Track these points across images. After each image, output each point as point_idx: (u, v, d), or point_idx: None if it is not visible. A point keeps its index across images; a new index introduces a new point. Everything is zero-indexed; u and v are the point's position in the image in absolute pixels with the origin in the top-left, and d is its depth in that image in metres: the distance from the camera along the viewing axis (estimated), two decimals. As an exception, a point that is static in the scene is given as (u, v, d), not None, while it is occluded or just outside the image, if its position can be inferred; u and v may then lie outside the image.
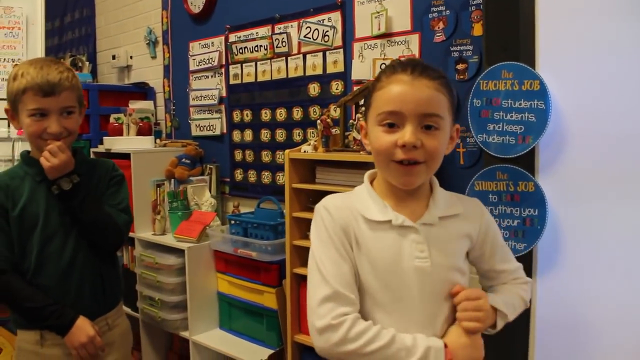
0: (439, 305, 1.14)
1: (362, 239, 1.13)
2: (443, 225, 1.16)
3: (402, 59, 1.28)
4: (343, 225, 1.13)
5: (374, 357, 1.05)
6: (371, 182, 1.22)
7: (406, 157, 1.08)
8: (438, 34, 2.21)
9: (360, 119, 2.10)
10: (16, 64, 2.32)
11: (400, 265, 1.11)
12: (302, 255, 2.25)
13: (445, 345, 1.08)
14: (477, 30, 2.11)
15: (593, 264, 1.64)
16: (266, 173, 2.87)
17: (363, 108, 2.08)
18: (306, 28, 2.60)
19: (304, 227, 2.24)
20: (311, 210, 2.26)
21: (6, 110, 1.66)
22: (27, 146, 2.27)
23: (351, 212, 1.15)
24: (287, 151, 2.21)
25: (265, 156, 2.86)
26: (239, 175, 3.02)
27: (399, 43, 2.32)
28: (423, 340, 1.07)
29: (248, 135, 2.94)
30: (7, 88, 1.60)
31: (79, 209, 1.64)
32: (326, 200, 1.19)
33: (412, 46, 2.28)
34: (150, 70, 3.54)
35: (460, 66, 2.15)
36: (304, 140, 2.64)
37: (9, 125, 2.26)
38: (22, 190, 1.65)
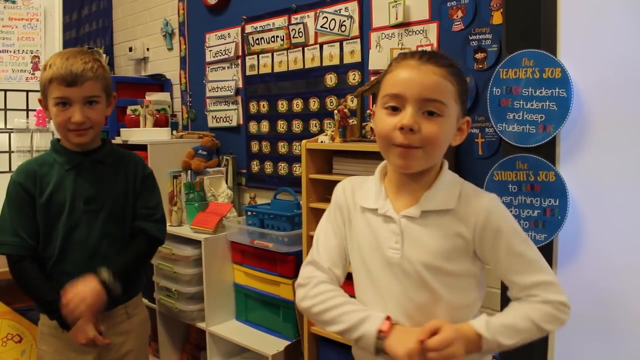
0: (407, 295, 1.12)
1: (354, 220, 1.21)
2: (428, 219, 1.12)
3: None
4: (341, 204, 1.25)
5: (321, 316, 1.16)
6: (386, 172, 1.23)
7: (404, 142, 1.07)
8: (456, 23, 2.18)
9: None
10: (35, 56, 2.37)
11: (377, 252, 1.16)
12: (318, 246, 2.24)
13: (389, 320, 1.10)
14: (497, 18, 2.08)
15: (614, 255, 1.61)
16: (282, 164, 2.86)
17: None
18: (323, 18, 2.58)
19: (320, 218, 2.23)
20: (328, 201, 2.25)
21: (39, 101, 1.68)
22: (45, 137, 2.31)
23: (354, 194, 1.23)
24: (304, 141, 2.20)
25: (282, 147, 2.85)
26: (255, 166, 3.01)
27: (417, 32, 2.29)
28: (368, 311, 1.13)
29: (264, 126, 2.94)
30: (39, 78, 1.65)
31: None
32: (343, 180, 1.29)
33: (430, 35, 2.25)
34: (166, 62, 3.55)
35: (479, 55, 2.12)
36: (321, 131, 2.63)
37: (27, 116, 2.28)
38: (50, 178, 1.67)
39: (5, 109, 2.27)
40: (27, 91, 2.30)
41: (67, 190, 1.67)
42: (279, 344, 2.44)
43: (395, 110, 1.09)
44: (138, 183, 1.79)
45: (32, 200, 1.66)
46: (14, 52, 2.28)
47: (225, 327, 2.70)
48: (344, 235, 1.23)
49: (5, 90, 2.27)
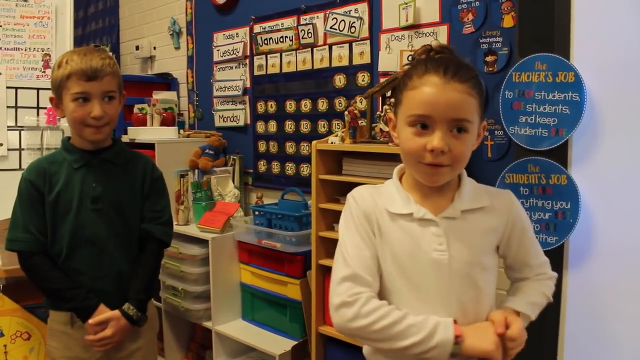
0: (454, 295, 1.15)
1: (384, 228, 1.17)
2: (466, 218, 1.17)
3: (433, 46, 1.26)
4: (367, 213, 1.19)
5: (384, 333, 1.08)
6: (400, 177, 1.26)
7: (434, 162, 1.10)
8: (467, 26, 2.19)
9: (389, 111, 2.09)
10: (46, 54, 2.37)
11: (419, 256, 1.15)
12: (327, 246, 2.24)
13: (455, 322, 1.10)
14: (508, 21, 2.09)
15: (625, 257, 1.62)
16: (290, 164, 2.87)
17: (391, 100, 2.07)
18: (332, 19, 2.59)
19: (329, 219, 2.24)
20: (337, 201, 2.26)
21: (51, 99, 1.69)
22: (56, 135, 2.31)
23: (376, 202, 1.20)
24: (314, 142, 2.20)
25: (290, 147, 2.86)
26: (262, 166, 3.02)
27: (427, 34, 2.30)
28: (433, 318, 1.10)
29: (272, 126, 2.94)
30: (52, 76, 1.64)
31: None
32: (355, 190, 1.25)
33: (440, 37, 2.26)
34: (173, 61, 3.55)
35: (489, 58, 2.13)
36: (329, 131, 2.64)
37: (37, 114, 2.28)
38: (59, 176, 1.68)
39: (16, 107, 2.27)
40: (38, 89, 2.30)
41: (75, 189, 1.68)
42: (285, 344, 2.45)
43: (422, 128, 1.11)
44: (147, 185, 1.80)
45: (42, 197, 1.67)
46: (25, 50, 2.28)
47: (232, 326, 2.71)
48: (374, 244, 1.18)
49: (16, 88, 2.27)
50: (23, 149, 2.25)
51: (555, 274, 1.30)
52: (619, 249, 1.63)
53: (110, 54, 1.82)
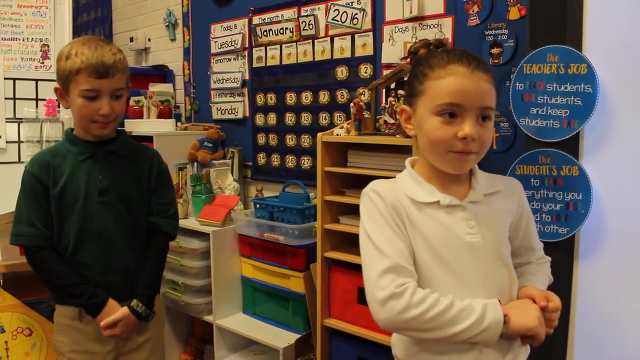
0: (491, 276, 1.18)
1: (413, 218, 1.18)
2: (488, 202, 1.22)
3: (431, 40, 1.31)
4: (393, 204, 1.19)
5: (437, 320, 1.08)
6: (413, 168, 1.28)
7: (465, 149, 1.13)
8: (472, 18, 2.19)
9: (393, 102, 2.08)
10: (45, 44, 2.32)
11: (453, 241, 1.17)
12: (332, 239, 2.23)
13: (500, 302, 1.13)
14: (514, 13, 2.09)
15: (637, 249, 1.63)
16: (290, 157, 2.85)
17: (398, 92, 2.06)
18: (334, 10, 2.57)
19: (334, 211, 2.23)
20: (342, 194, 2.25)
21: (55, 90, 1.65)
22: (55, 127, 2.27)
23: (398, 194, 1.21)
24: (319, 134, 2.19)
25: (290, 140, 2.84)
26: (261, 159, 3.00)
27: (432, 26, 2.29)
28: (477, 301, 1.12)
29: (272, 118, 2.92)
30: (59, 66, 1.60)
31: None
32: (373, 184, 1.25)
33: (445, 30, 2.26)
34: (169, 52, 3.51)
35: (494, 50, 2.13)
36: (331, 123, 2.63)
37: (37, 106, 2.23)
38: (63, 168, 1.65)
39: (15, 98, 2.22)
40: (37, 80, 2.25)
41: (81, 181, 1.66)
42: (289, 337, 2.44)
43: (451, 117, 1.13)
44: (154, 177, 1.78)
45: (46, 190, 1.64)
46: (23, 40, 2.23)
47: (233, 320, 2.69)
48: (406, 235, 1.18)
49: (15, 79, 2.22)
50: (22, 142, 2.20)
51: (549, 258, 1.38)
52: (630, 239, 1.64)
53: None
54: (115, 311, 1.67)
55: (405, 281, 1.11)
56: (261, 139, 2.99)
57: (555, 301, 1.20)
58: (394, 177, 1.28)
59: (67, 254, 1.66)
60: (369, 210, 1.21)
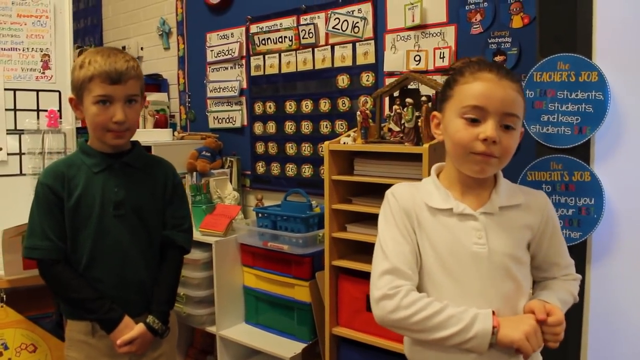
0: (494, 287, 1.19)
1: (424, 223, 1.22)
2: (503, 214, 1.23)
3: (471, 59, 1.30)
4: (406, 208, 1.24)
5: (423, 324, 1.13)
6: (437, 175, 1.31)
7: (485, 151, 1.15)
8: (475, 26, 2.22)
9: (399, 110, 2.09)
10: (45, 54, 2.28)
11: (458, 250, 1.19)
12: (340, 247, 2.23)
13: (493, 313, 1.14)
14: (517, 22, 2.12)
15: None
16: (291, 165, 2.85)
17: (407, 100, 2.07)
18: (335, 19, 2.58)
19: (342, 219, 2.23)
20: (349, 202, 2.25)
21: (70, 100, 1.62)
22: (57, 139, 2.23)
23: (415, 198, 1.25)
24: (326, 143, 2.19)
25: (290, 148, 2.84)
26: (260, 168, 2.99)
27: (434, 35, 2.32)
28: (472, 309, 1.14)
29: (271, 127, 2.92)
30: (73, 76, 1.57)
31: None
32: (394, 187, 1.30)
33: (447, 38, 2.28)
34: (162, 61, 3.48)
35: (498, 58, 2.16)
36: (332, 131, 2.63)
37: (38, 117, 2.19)
38: (78, 180, 1.61)
39: (15, 109, 2.17)
40: (38, 91, 2.21)
41: (96, 194, 1.62)
42: (294, 347, 2.43)
43: (474, 121, 1.16)
44: (169, 191, 1.76)
45: (60, 202, 1.61)
46: (23, 50, 2.18)
47: (235, 330, 2.67)
48: (414, 239, 1.23)
49: (15, 90, 2.17)
50: (24, 153, 2.16)
51: (579, 276, 1.37)
52: (641, 243, 1.67)
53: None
54: (131, 327, 1.63)
55: (401, 284, 1.17)
56: (260, 147, 2.98)
57: (556, 315, 1.19)
58: (419, 182, 1.33)
59: (80, 267, 1.62)
60: (385, 212, 1.27)
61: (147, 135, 2.96)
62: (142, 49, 3.61)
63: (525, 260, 1.25)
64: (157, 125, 3.08)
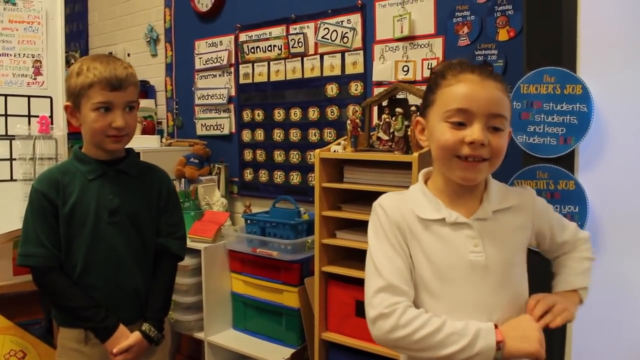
0: (495, 297, 1.16)
1: (417, 235, 1.17)
2: (497, 219, 1.19)
3: (452, 62, 1.30)
4: (397, 222, 1.18)
5: (425, 342, 1.07)
6: (425, 181, 1.26)
7: (472, 154, 1.11)
8: (462, 38, 2.28)
9: (387, 119, 2.14)
10: (37, 60, 2.28)
11: (455, 260, 1.15)
12: (330, 253, 2.27)
13: (496, 327, 1.10)
14: (503, 35, 2.19)
15: (631, 261, 1.73)
16: (279, 173, 2.88)
17: (397, 109, 2.12)
18: (324, 29, 2.63)
19: (331, 226, 2.27)
20: (339, 209, 2.29)
21: (66, 107, 1.62)
22: (49, 145, 2.23)
23: (405, 210, 1.19)
24: (317, 151, 2.22)
25: (278, 156, 2.87)
26: (248, 175, 3.01)
27: (422, 46, 2.37)
28: (474, 324, 1.09)
29: (259, 134, 2.94)
30: (69, 83, 1.57)
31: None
32: (382, 199, 1.24)
33: (435, 49, 2.34)
34: (149, 68, 3.49)
35: (484, 69, 2.22)
36: (321, 139, 2.67)
37: (29, 123, 2.19)
38: (73, 187, 1.61)
39: (6, 115, 2.17)
40: (29, 96, 2.20)
41: (91, 201, 1.62)
42: (283, 352, 2.46)
43: (460, 124, 1.12)
44: (163, 198, 1.75)
45: (55, 209, 1.60)
46: (15, 55, 2.18)
47: (224, 336, 2.69)
48: (407, 253, 1.17)
49: (6, 96, 2.17)
50: (14, 159, 2.15)
51: (587, 234, 1.37)
52: (623, 249, 1.74)
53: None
54: (126, 335, 1.63)
55: (397, 301, 1.11)
56: (248, 154, 3.00)
57: (544, 303, 1.17)
58: (406, 190, 1.27)
59: (75, 274, 1.61)
60: (374, 227, 1.21)
61: (135, 141, 2.91)
62: (129, 55, 3.61)
63: (522, 264, 1.23)
64: (145, 131, 3.09)
